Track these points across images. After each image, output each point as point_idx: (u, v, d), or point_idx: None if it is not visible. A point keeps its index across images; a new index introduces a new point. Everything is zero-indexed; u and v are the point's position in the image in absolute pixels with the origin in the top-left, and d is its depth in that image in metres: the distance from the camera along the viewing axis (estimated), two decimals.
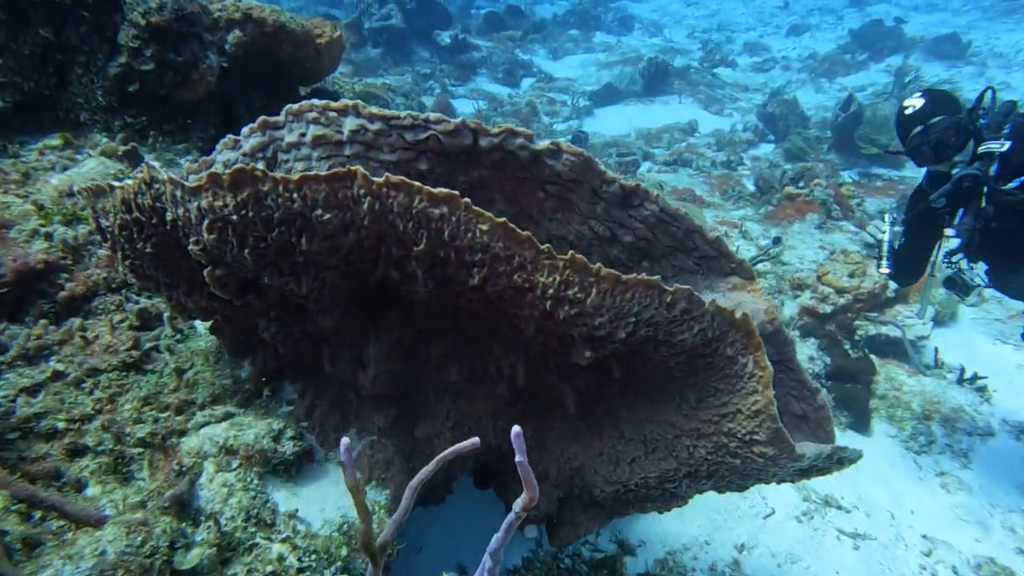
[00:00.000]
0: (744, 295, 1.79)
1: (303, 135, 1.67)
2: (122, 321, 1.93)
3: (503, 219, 1.32)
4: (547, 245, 1.34)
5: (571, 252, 1.34)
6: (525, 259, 1.36)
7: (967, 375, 3.96)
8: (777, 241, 4.89)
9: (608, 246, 1.84)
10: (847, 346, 3.92)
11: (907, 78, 8.37)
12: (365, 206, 1.33)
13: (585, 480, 1.89)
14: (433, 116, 1.58)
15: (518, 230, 1.33)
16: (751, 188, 6.68)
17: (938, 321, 4.68)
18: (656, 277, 1.37)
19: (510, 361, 1.66)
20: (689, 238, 1.76)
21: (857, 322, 4.03)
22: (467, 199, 1.31)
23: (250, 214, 1.32)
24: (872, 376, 3.64)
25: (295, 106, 1.66)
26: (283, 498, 1.65)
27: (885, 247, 3.15)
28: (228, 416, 1.71)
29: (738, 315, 1.48)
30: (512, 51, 13.44)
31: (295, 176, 1.29)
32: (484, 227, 1.32)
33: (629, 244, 1.81)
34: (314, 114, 1.64)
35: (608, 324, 1.44)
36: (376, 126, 1.61)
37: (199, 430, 1.65)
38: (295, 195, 1.30)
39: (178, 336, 1.98)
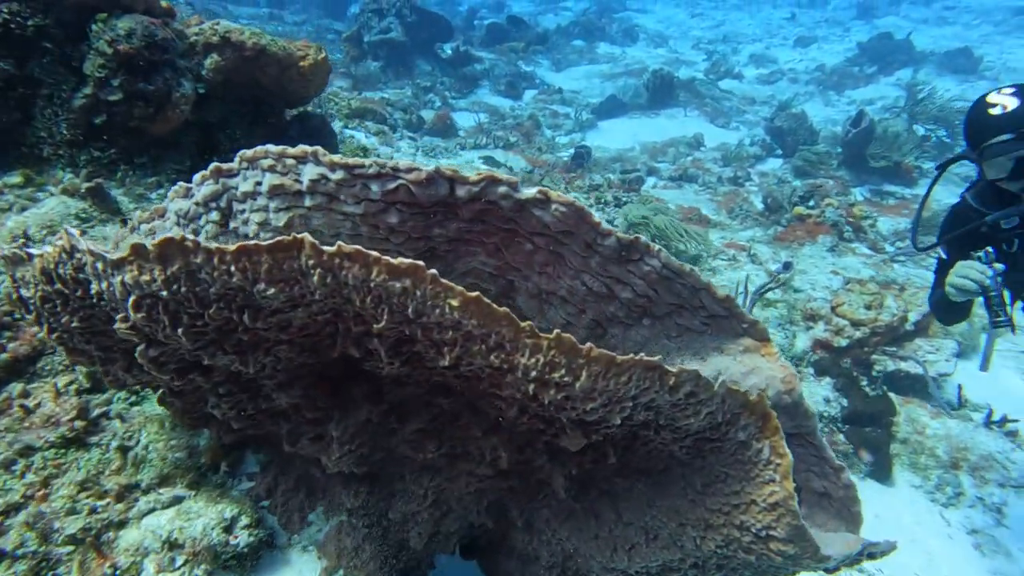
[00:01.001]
0: (758, 359, 1.59)
1: (259, 184, 1.49)
2: (70, 384, 1.74)
3: (476, 293, 1.13)
4: (528, 323, 1.15)
5: (556, 331, 1.14)
6: (503, 338, 1.17)
7: (995, 417, 3.72)
8: (788, 266, 4.69)
9: (605, 303, 1.65)
10: (864, 383, 3.70)
11: (920, 94, 8.14)
12: (315, 279, 1.14)
13: (579, 565, 1.68)
14: (403, 164, 1.40)
15: (494, 306, 1.14)
16: (759, 206, 6.47)
17: (960, 354, 4.45)
18: (657, 357, 1.17)
19: (491, 443, 1.46)
20: (695, 296, 1.56)
21: (875, 356, 3.81)
22: (433, 271, 1.12)
23: (182, 290, 1.13)
24: (892, 418, 3.41)
25: (249, 152, 1.47)
26: None
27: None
28: (176, 501, 1.52)
29: (752, 396, 1.29)
30: (515, 63, 13.33)
31: (232, 247, 1.10)
32: (454, 302, 1.13)
33: (628, 301, 1.62)
34: (269, 161, 1.46)
35: (601, 409, 1.24)
36: (338, 175, 1.42)
37: (141, 520, 1.46)
38: (233, 268, 1.12)
39: (133, 398, 1.79)
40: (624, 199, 5.78)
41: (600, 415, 1.26)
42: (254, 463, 1.71)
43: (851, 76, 12.91)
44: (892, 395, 3.71)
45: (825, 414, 3.31)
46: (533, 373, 1.18)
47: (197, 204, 1.55)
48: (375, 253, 1.12)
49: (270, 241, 1.11)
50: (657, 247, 1.51)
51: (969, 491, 3.22)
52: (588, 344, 1.15)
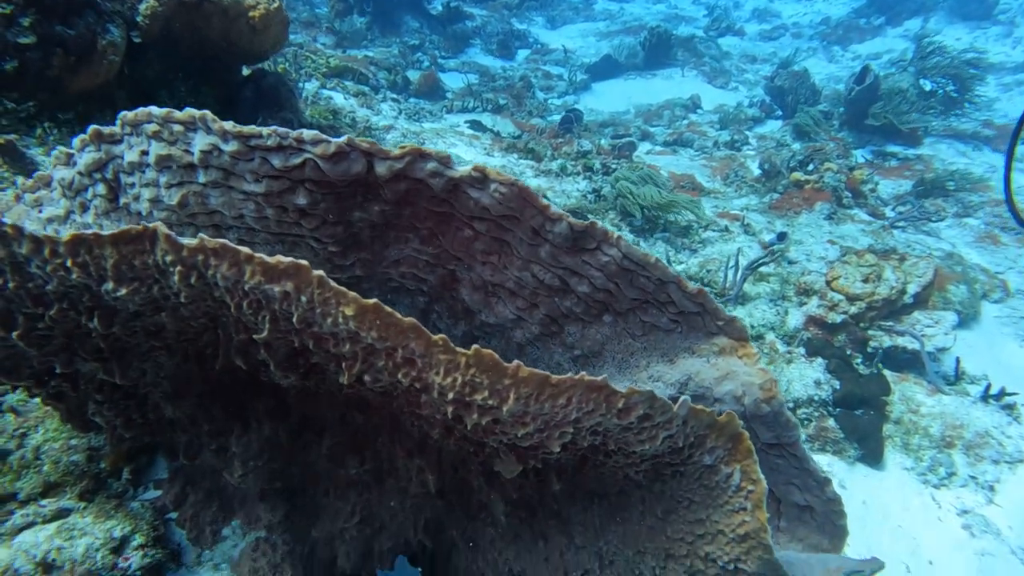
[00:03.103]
0: (734, 362, 1.39)
1: (145, 154, 1.25)
2: None
3: (374, 301, 0.91)
4: (441, 336, 0.93)
5: (475, 347, 0.93)
6: (412, 352, 0.95)
7: (993, 391, 3.55)
8: (782, 237, 4.45)
9: (559, 297, 1.43)
10: (859, 361, 3.51)
11: (929, 47, 7.71)
12: (176, 279, 0.92)
13: None
14: (308, 135, 1.16)
15: (397, 315, 0.92)
16: (756, 171, 6.19)
17: (960, 322, 4.26)
18: (601, 376, 0.96)
19: (417, 464, 1.27)
20: (662, 290, 1.35)
21: (871, 332, 3.62)
22: (320, 273, 0.90)
23: (10, 285, 0.92)
24: (885, 398, 3.23)
25: (130, 114, 1.23)
26: None
27: None
28: (61, 515, 1.34)
29: (721, 416, 1.08)
30: (508, 20, 12.77)
31: (66, 236, 0.88)
32: (348, 311, 0.91)
33: (585, 295, 1.40)
34: (154, 126, 1.22)
35: (536, 434, 1.04)
36: (232, 147, 1.19)
37: (15, 536, 1.27)
38: (70, 263, 0.90)
39: None
40: (613, 166, 5.49)
41: (536, 440, 1.05)
42: (165, 469, 1.52)
43: (857, 29, 12.36)
44: (887, 372, 3.53)
45: (816, 398, 3.13)
46: (451, 394, 0.97)
47: (81, 174, 1.31)
48: (246, 250, 0.89)
49: (113, 231, 0.89)
50: (616, 235, 1.28)
51: (962, 470, 3.06)
52: (515, 363, 0.94)
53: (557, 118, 7.72)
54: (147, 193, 1.29)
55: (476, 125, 7.15)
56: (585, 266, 1.34)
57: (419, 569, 1.82)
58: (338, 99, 6.36)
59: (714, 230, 4.72)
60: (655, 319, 1.40)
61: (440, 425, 1.13)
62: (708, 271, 4.13)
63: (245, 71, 3.54)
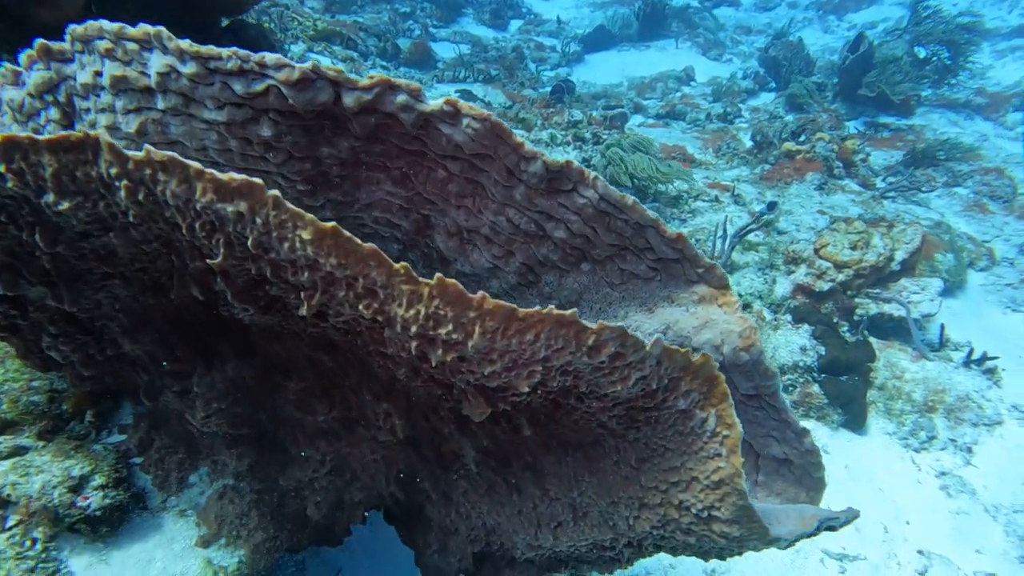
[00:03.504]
0: (714, 311, 1.35)
1: (99, 75, 1.18)
2: None
3: (332, 224, 0.87)
4: (403, 264, 0.89)
5: (438, 276, 0.89)
6: (373, 282, 0.91)
7: (975, 356, 3.56)
8: (772, 207, 4.41)
9: (536, 244, 1.39)
10: (844, 329, 3.50)
11: (925, 12, 7.57)
12: (123, 194, 0.87)
13: (503, 541, 1.49)
14: (271, 59, 1.09)
15: (357, 241, 0.88)
16: (748, 143, 6.13)
17: (946, 291, 4.27)
18: (573, 310, 0.92)
19: (384, 408, 1.23)
20: (640, 235, 1.30)
21: (857, 300, 3.61)
22: (276, 193, 0.85)
23: None
24: (870, 364, 3.23)
25: (79, 28, 1.14)
26: (84, 567, 1.26)
27: None
28: (18, 452, 1.30)
29: (696, 357, 1.05)
30: None
31: None
32: (305, 235, 0.87)
33: (562, 241, 1.36)
34: (106, 43, 1.14)
35: (504, 373, 1.01)
36: (190, 68, 1.12)
37: None
38: (2, 168, 0.84)
39: None
40: (604, 136, 5.42)
41: (504, 381, 1.02)
42: (131, 413, 1.48)
43: None
44: (873, 339, 3.53)
45: (801, 364, 3.13)
46: (414, 328, 0.93)
47: (31, 96, 1.24)
48: (196, 165, 0.84)
49: (51, 136, 0.83)
50: (593, 175, 1.23)
51: (942, 434, 3.09)
52: (480, 293, 0.90)
53: (549, 89, 7.60)
54: (104, 119, 1.22)
55: (466, 95, 7.02)
56: (561, 209, 1.29)
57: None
58: (325, 63, 6.21)
59: (704, 200, 4.68)
60: (633, 266, 1.36)
61: (406, 364, 1.09)
62: (697, 240, 4.10)
63: (224, 22, 3.42)
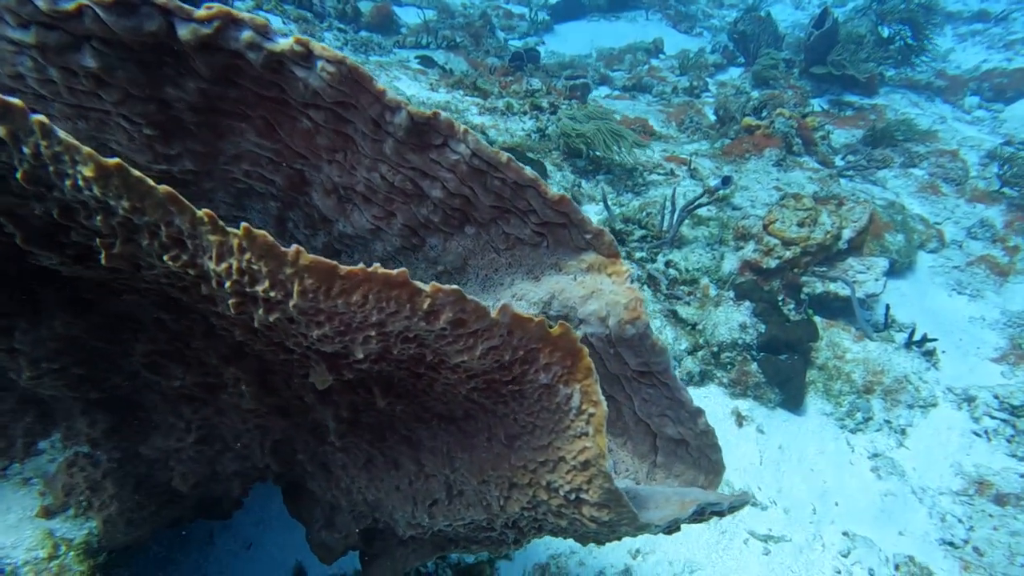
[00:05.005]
0: (602, 280, 1.26)
1: None
2: None
3: (116, 161, 0.75)
4: (206, 211, 0.78)
5: (244, 226, 0.78)
6: (178, 231, 0.80)
7: (916, 337, 3.57)
8: (727, 181, 4.34)
9: (415, 204, 1.28)
10: (790, 307, 3.47)
11: None
12: None
13: (386, 519, 1.41)
14: None
15: (150, 183, 0.77)
16: (712, 118, 6.04)
17: (895, 271, 4.27)
18: (402, 269, 0.82)
19: (233, 372, 1.13)
20: (520, 196, 1.20)
21: (804, 278, 3.57)
22: (40, 117, 0.73)
23: None
24: (812, 343, 3.21)
25: None
26: None
27: None
28: None
29: (555, 328, 0.96)
30: None
31: None
32: (87, 171, 0.76)
33: (441, 202, 1.25)
34: None
35: (337, 338, 0.91)
36: None
37: None
38: None
39: None
40: (563, 106, 5.28)
41: (339, 346, 0.92)
42: None
43: None
44: (818, 319, 3.51)
45: (740, 341, 3.08)
46: (229, 284, 0.83)
47: None
48: None
49: None
50: (464, 128, 1.12)
51: (878, 415, 3.09)
52: (294, 247, 0.79)
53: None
54: None
55: (426, 61, 6.80)
56: (435, 166, 1.18)
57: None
58: (275, 22, 5.95)
59: (659, 173, 4.59)
60: (518, 231, 1.26)
61: (239, 325, 0.98)
62: (648, 213, 4.02)
63: None
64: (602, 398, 1.00)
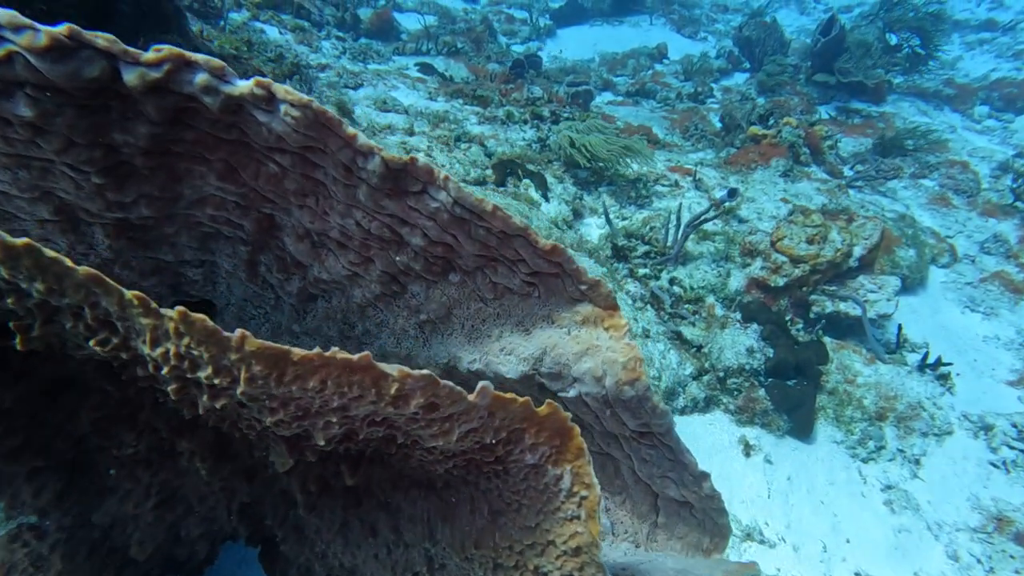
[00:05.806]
0: (598, 334, 1.16)
1: None
2: None
3: (26, 240, 0.65)
4: (136, 293, 0.68)
5: (180, 309, 0.67)
6: (105, 313, 0.70)
7: (930, 359, 3.44)
8: (733, 193, 4.22)
9: (393, 251, 1.17)
10: (799, 327, 3.35)
11: None
12: None
13: None
14: (4, 17, 0.85)
15: (64, 260, 0.67)
16: (717, 125, 5.93)
17: (906, 288, 4.15)
18: (365, 353, 0.72)
19: (187, 446, 1.03)
20: (507, 245, 1.09)
21: (813, 296, 3.45)
22: None
23: None
24: (822, 367, 3.09)
25: None
26: None
27: None
28: None
29: (541, 408, 0.85)
30: None
31: None
32: None
33: (421, 249, 1.15)
34: None
35: (294, 423, 0.80)
36: None
37: None
38: None
39: None
40: (564, 115, 5.17)
41: (298, 430, 0.81)
42: None
43: None
44: (828, 339, 3.39)
45: (747, 367, 2.97)
46: (167, 370, 0.72)
47: None
48: None
49: None
50: (444, 175, 1.02)
51: (891, 443, 2.96)
52: (239, 332, 0.69)
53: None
54: None
55: (426, 68, 6.70)
56: (413, 213, 1.08)
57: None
58: (272, 33, 5.85)
59: (664, 184, 4.48)
60: (507, 280, 1.16)
61: (187, 405, 0.88)
62: (652, 228, 3.90)
63: None
64: (595, 481, 0.89)
